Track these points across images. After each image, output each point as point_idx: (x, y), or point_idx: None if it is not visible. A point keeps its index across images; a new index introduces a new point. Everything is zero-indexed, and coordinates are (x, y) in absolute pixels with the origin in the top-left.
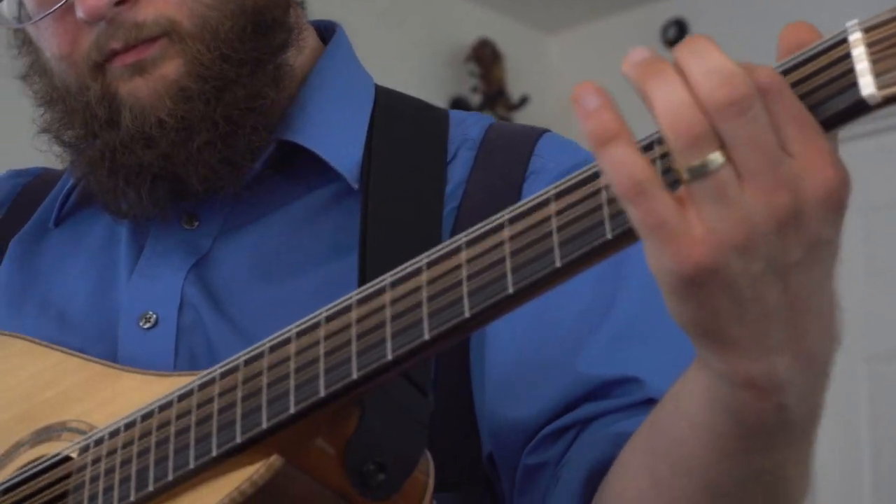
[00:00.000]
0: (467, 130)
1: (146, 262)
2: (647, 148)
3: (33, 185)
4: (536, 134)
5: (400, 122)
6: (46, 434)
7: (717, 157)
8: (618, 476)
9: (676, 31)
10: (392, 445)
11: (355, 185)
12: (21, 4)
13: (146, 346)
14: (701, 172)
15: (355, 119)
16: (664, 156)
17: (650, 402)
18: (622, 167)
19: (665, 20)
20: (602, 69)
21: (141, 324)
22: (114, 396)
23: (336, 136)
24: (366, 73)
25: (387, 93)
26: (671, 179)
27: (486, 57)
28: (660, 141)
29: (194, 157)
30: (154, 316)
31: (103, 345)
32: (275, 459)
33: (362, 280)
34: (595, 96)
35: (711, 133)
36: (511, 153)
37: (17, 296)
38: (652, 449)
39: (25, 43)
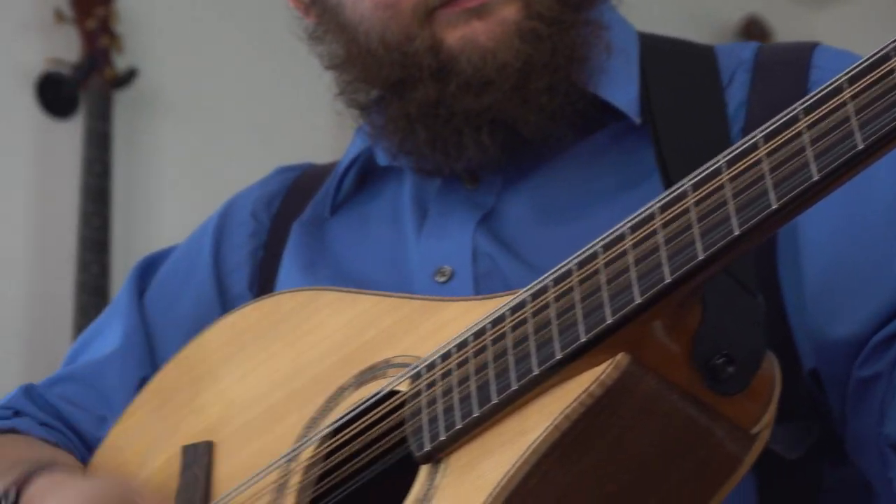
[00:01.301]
0: (739, 54)
1: (433, 222)
2: None
3: (304, 176)
4: (809, 47)
5: (669, 57)
6: (370, 374)
7: None
8: None
9: None
10: (737, 339)
11: (637, 121)
12: None
13: None
14: None
15: (626, 58)
16: None
17: None
18: None
19: None
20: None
21: (436, 278)
22: (438, 327)
23: (612, 76)
24: (621, 16)
25: (647, 35)
26: None
27: (754, 34)
28: None
29: (531, 101)
30: (449, 269)
31: None
32: (622, 357)
33: None
34: None
35: None
36: (788, 68)
37: (308, 270)
38: None
39: (315, 3)
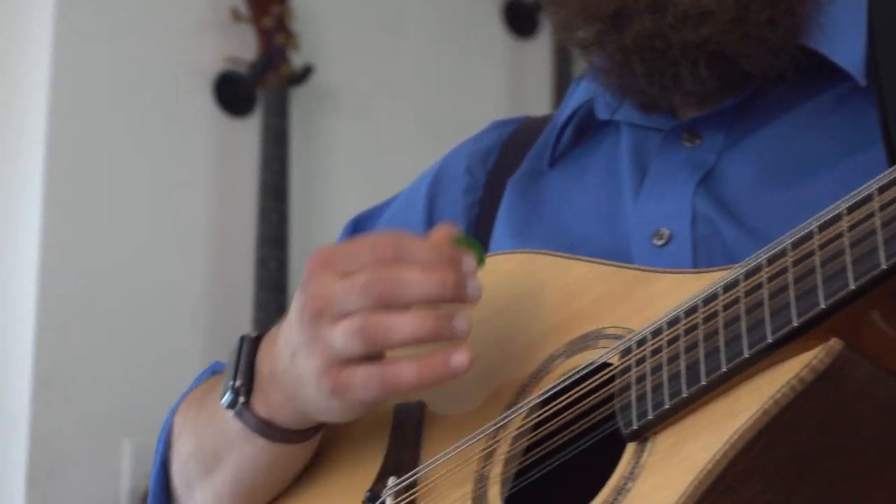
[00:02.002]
0: None
1: (652, 182)
2: None
3: (520, 130)
4: None
5: None
6: (582, 343)
7: None
8: None
9: None
10: None
11: (863, 83)
12: None
13: (661, 262)
14: None
15: (854, 14)
16: None
17: None
18: None
19: None
20: None
21: (654, 241)
22: (651, 300)
23: (839, 33)
24: None
25: None
26: None
27: None
28: None
29: (751, 34)
30: (667, 232)
31: None
32: (834, 343)
33: None
34: None
35: None
36: None
37: (521, 230)
38: None
39: None
